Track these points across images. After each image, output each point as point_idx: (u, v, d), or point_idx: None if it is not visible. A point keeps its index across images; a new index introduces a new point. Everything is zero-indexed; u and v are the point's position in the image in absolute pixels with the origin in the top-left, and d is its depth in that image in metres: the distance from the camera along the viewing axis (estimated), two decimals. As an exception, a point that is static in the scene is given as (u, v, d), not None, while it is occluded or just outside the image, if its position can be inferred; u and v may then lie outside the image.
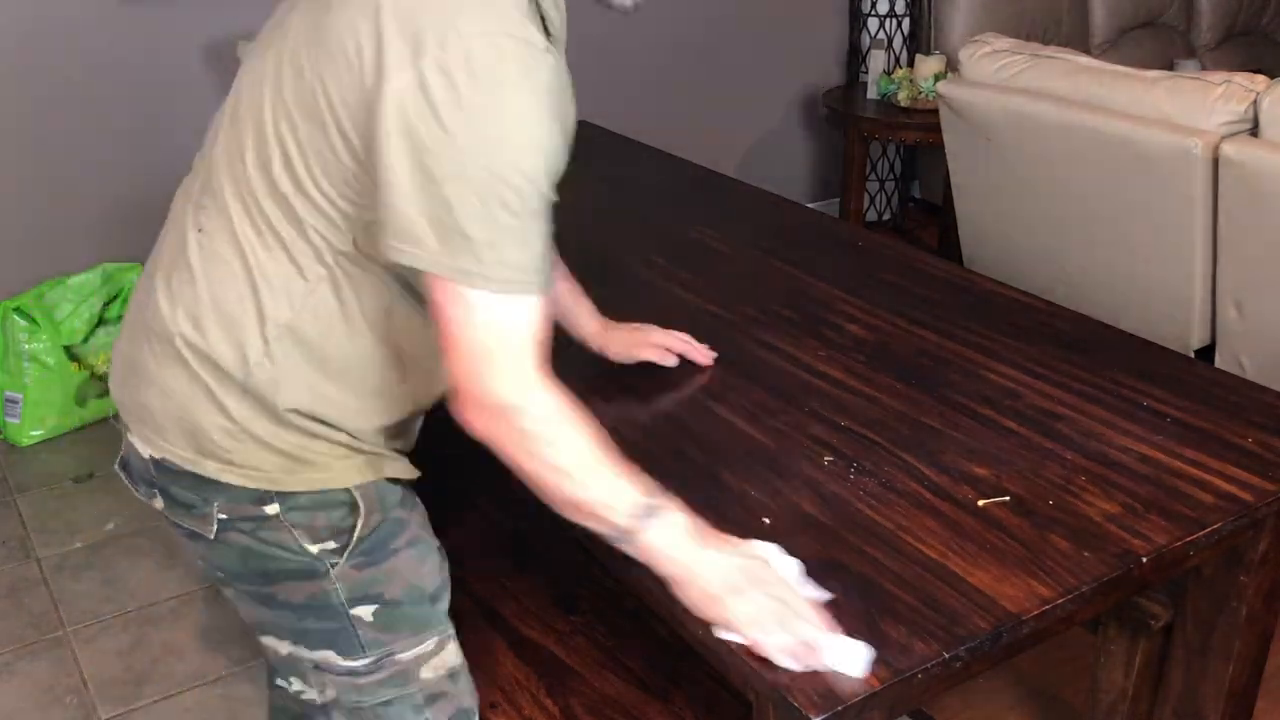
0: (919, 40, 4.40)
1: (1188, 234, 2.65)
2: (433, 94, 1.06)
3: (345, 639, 1.34)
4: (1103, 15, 4.43)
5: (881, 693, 1.13)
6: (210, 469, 1.26)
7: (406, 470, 1.38)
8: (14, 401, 3.03)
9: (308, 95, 1.14)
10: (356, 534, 1.31)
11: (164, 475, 1.29)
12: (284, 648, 1.38)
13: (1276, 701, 2.07)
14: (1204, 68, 4.60)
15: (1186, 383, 1.67)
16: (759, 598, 1.16)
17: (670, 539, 1.18)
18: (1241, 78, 2.58)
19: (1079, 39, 4.35)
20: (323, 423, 1.27)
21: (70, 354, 3.04)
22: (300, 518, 1.29)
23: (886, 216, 4.60)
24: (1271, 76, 2.60)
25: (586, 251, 2.25)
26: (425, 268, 1.11)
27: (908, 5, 4.32)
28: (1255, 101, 2.52)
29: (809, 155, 4.58)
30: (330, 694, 1.38)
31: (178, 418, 1.26)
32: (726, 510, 1.39)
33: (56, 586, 2.51)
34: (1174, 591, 1.60)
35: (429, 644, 1.38)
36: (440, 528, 1.97)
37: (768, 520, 1.36)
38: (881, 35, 4.33)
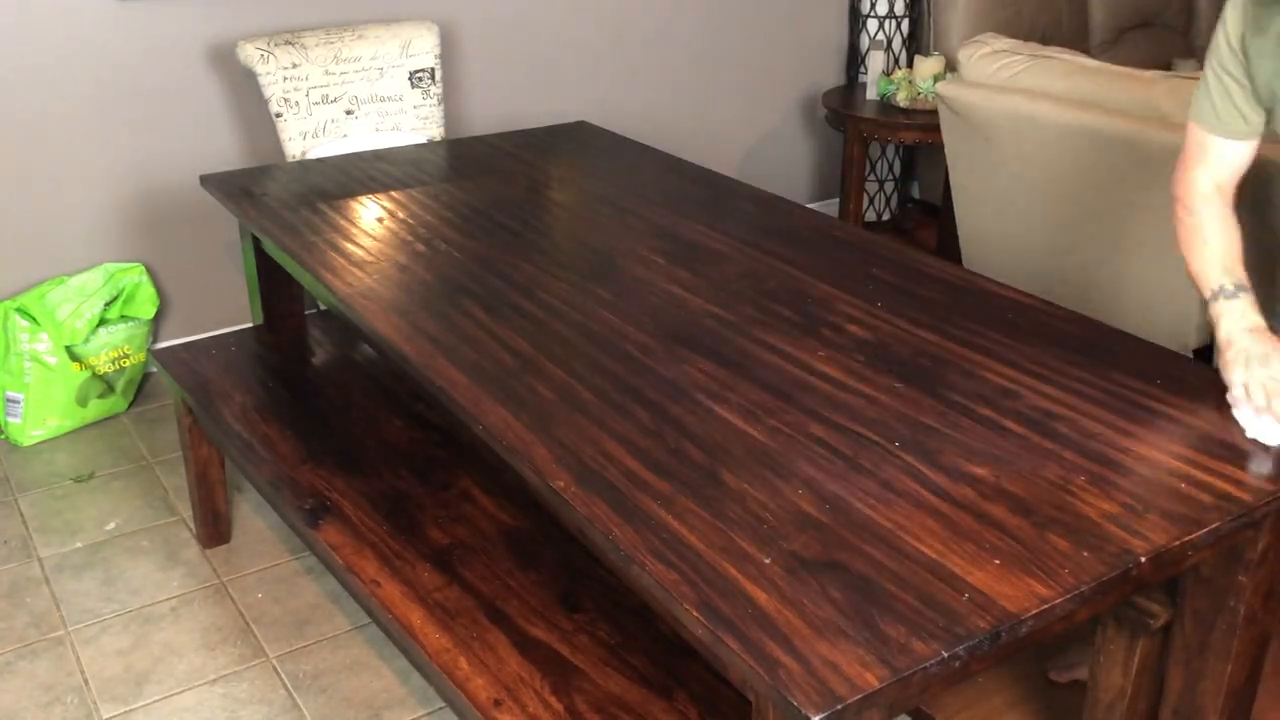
0: (918, 41, 4.40)
1: (1187, 234, 2.65)
2: None
3: None
4: (1102, 15, 4.43)
5: (881, 692, 1.13)
6: None
7: None
8: (15, 401, 3.03)
9: None
10: None
11: None
12: None
13: (1276, 701, 2.08)
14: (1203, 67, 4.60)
15: (1186, 383, 1.67)
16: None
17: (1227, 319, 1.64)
18: (1241, 78, 2.58)
19: (1078, 39, 4.35)
20: None
21: (71, 354, 3.04)
22: None
23: (886, 217, 4.61)
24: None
25: (587, 251, 2.26)
26: None
27: (907, 6, 4.32)
28: (1254, 102, 2.52)
29: (809, 155, 4.58)
30: None
31: None
32: (726, 510, 1.39)
33: (57, 586, 2.52)
34: (1173, 591, 1.60)
35: None
36: (443, 526, 1.98)
37: (768, 520, 1.37)
38: (881, 36, 4.33)
